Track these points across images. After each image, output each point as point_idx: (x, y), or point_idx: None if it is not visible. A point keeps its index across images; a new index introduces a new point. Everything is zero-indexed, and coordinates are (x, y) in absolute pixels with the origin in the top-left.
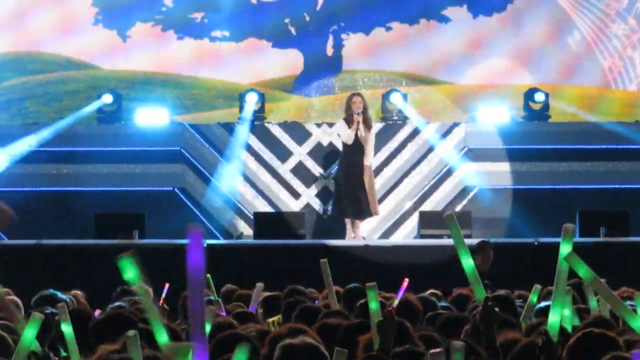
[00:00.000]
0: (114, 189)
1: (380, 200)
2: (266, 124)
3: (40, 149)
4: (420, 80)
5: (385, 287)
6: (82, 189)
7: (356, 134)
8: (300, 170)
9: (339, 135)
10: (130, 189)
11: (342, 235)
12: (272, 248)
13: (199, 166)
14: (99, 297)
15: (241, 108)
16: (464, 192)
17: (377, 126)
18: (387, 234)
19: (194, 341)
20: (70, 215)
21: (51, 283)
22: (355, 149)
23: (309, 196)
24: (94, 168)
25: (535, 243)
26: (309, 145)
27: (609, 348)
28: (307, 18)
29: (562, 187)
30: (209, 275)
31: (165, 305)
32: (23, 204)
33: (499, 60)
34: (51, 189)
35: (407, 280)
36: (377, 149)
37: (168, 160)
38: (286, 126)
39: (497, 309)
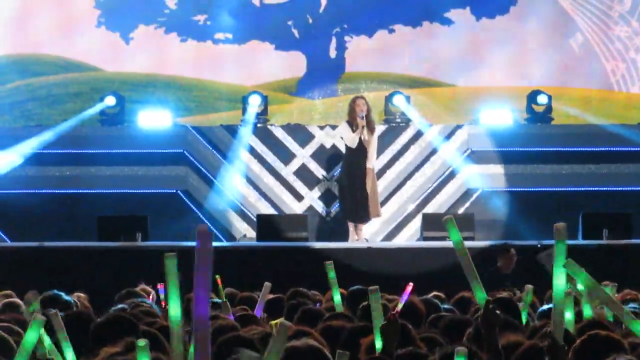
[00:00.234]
0: (117, 191)
1: (383, 203)
2: (269, 126)
3: (43, 151)
4: (423, 83)
5: (388, 289)
6: (85, 191)
7: (360, 137)
8: (303, 173)
9: (342, 138)
10: (133, 191)
11: (345, 238)
12: (275, 250)
13: (202, 168)
14: (102, 299)
15: (244, 110)
16: (466, 194)
17: (380, 128)
18: (390, 236)
19: (196, 345)
20: (73, 217)
21: (54, 285)
22: (358, 152)
23: (312, 198)
24: (96, 170)
25: (538, 245)
26: (312, 147)
27: (614, 350)
28: (310, 20)
29: (565, 189)
30: (217, 276)
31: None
32: (26, 206)
33: (501, 63)
34: (54, 191)
35: (411, 284)
36: (380, 151)
37: (171, 162)
38: (289, 128)
39: (498, 312)
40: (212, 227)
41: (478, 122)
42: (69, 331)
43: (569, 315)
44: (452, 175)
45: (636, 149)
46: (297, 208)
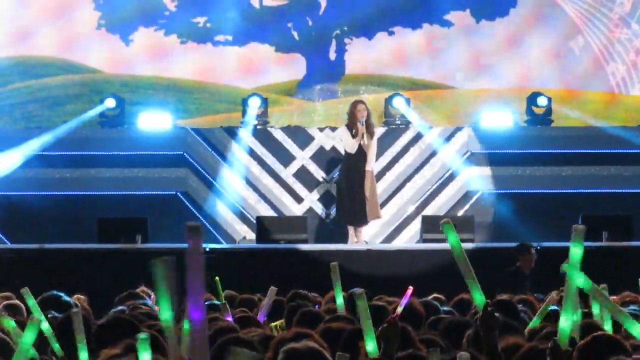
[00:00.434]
0: (117, 193)
1: (383, 205)
2: (269, 128)
3: (44, 153)
4: (423, 85)
5: (388, 291)
6: (85, 193)
7: (359, 142)
8: (302, 175)
9: (341, 139)
10: (133, 193)
11: (344, 240)
12: (275, 252)
13: (202, 170)
14: (102, 301)
15: (244, 112)
16: (466, 196)
17: (379, 130)
18: (389, 238)
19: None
20: (73, 219)
21: (54, 287)
22: (358, 155)
23: (312, 200)
24: (96, 172)
25: (538, 247)
26: (311, 149)
27: (616, 352)
28: (310, 22)
29: (565, 191)
30: (217, 278)
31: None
32: (26, 208)
33: (501, 65)
34: (54, 193)
35: (411, 288)
36: (380, 153)
37: (171, 164)
38: (289, 130)
39: (497, 315)
40: (211, 229)
41: (478, 124)
42: (67, 333)
43: (577, 318)
44: (451, 177)
45: (636, 150)
46: (296, 210)
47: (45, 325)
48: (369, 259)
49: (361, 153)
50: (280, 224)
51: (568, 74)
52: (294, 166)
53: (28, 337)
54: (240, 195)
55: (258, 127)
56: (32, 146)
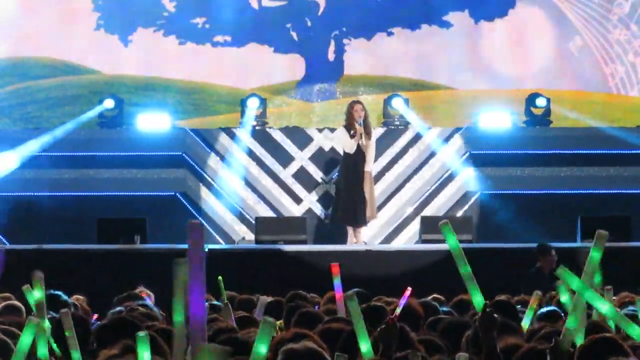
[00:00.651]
0: (116, 194)
1: (382, 206)
2: (268, 129)
3: (42, 154)
4: (421, 85)
5: (387, 292)
6: (83, 193)
7: (357, 142)
8: (301, 175)
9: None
10: (132, 194)
11: (343, 241)
12: (274, 253)
13: (201, 171)
14: (101, 302)
15: (243, 113)
16: (465, 197)
17: (378, 131)
18: (388, 239)
19: (192, 343)
20: (72, 220)
21: (53, 288)
22: (356, 156)
23: (311, 201)
24: (95, 173)
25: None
26: (310, 150)
27: (615, 353)
28: (309, 23)
29: (564, 192)
30: (220, 278)
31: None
32: (25, 208)
33: (500, 65)
34: (53, 194)
35: (409, 289)
36: (379, 154)
37: (170, 165)
38: (288, 131)
39: (496, 316)
40: (210, 230)
41: (477, 125)
42: (63, 333)
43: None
44: (450, 178)
45: (635, 151)
46: (295, 211)
47: (45, 324)
48: (368, 260)
49: (360, 153)
50: (279, 225)
51: (567, 75)
52: (293, 167)
53: (26, 337)
54: (239, 196)
55: (257, 127)
56: (31, 147)
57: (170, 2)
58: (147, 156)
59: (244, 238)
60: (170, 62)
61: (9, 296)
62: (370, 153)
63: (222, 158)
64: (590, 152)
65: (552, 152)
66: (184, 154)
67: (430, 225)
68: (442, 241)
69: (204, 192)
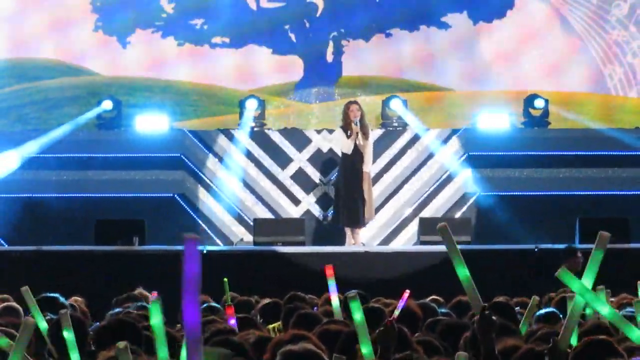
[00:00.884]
0: (114, 195)
1: (380, 207)
2: (266, 130)
3: (41, 155)
4: (420, 87)
5: (385, 293)
6: (82, 195)
7: (355, 142)
8: (300, 177)
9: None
10: (130, 195)
11: (342, 242)
12: (272, 254)
13: (199, 172)
14: (100, 303)
15: (241, 114)
16: (463, 198)
17: (377, 132)
18: (387, 240)
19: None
20: (70, 221)
21: (51, 289)
22: (354, 157)
23: (309, 202)
24: (94, 174)
25: (536, 249)
26: (308, 151)
27: (611, 354)
28: (307, 24)
29: (562, 193)
30: (225, 279)
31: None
32: (23, 210)
33: (498, 67)
34: (51, 195)
35: (408, 291)
36: (377, 155)
37: (168, 166)
38: (286, 132)
39: (494, 318)
40: (208, 231)
41: (475, 126)
42: (61, 334)
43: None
44: (449, 179)
45: (633, 153)
46: (294, 212)
47: (43, 325)
48: (366, 261)
49: (357, 154)
50: (278, 226)
51: (565, 76)
52: (291, 168)
53: (23, 338)
54: (238, 197)
55: (255, 129)
56: (29, 148)
57: (168, 3)
58: (145, 157)
59: (242, 239)
60: (168, 63)
61: (8, 297)
62: (368, 153)
63: (221, 159)
64: (589, 153)
65: (550, 153)
66: (182, 156)
67: (428, 227)
68: (441, 243)
69: (202, 193)
